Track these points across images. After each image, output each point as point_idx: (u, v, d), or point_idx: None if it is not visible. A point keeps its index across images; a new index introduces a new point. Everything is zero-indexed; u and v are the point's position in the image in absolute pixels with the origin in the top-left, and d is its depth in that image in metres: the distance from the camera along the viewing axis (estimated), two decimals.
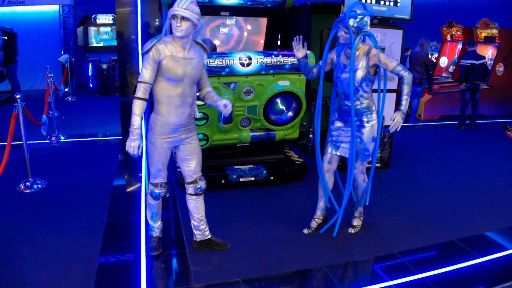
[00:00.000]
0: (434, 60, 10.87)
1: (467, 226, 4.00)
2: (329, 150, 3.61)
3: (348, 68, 3.34)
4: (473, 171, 5.68)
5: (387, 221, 4.02)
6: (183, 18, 2.74)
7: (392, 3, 5.11)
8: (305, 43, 3.46)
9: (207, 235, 3.40)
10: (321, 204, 3.77)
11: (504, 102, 9.94)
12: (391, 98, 5.36)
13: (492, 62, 9.70)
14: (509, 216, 4.24)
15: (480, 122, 8.76)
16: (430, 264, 3.33)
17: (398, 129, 3.31)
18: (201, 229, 3.37)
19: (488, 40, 9.95)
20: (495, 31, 9.79)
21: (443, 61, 11.08)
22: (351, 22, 3.18)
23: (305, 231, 3.74)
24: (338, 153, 3.58)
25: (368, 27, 3.25)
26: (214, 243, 3.41)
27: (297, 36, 3.45)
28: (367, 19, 3.20)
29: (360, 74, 3.32)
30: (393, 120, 3.26)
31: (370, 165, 3.71)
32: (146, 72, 2.84)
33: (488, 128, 8.52)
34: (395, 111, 5.39)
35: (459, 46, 10.49)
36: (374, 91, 3.54)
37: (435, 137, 7.69)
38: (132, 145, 2.84)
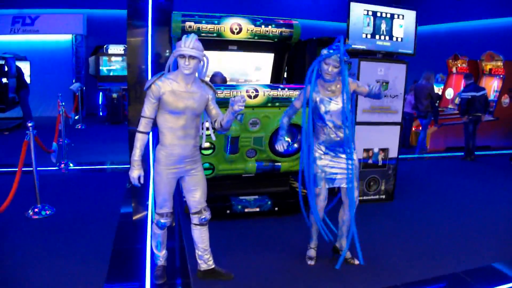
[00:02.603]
0: (439, 93, 10.97)
1: (470, 258, 3.99)
2: (325, 185, 3.61)
3: (335, 99, 3.43)
4: (477, 203, 5.67)
5: (391, 253, 4.03)
6: (191, 56, 2.87)
7: (395, 38, 5.25)
8: None
9: (211, 264, 3.43)
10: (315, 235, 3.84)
11: (510, 133, 9.96)
12: (395, 130, 5.44)
13: (497, 93, 9.80)
14: None
15: (486, 154, 8.76)
16: None
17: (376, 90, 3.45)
18: (205, 259, 3.40)
19: (493, 72, 10.07)
20: (500, 63, 9.92)
21: (449, 93, 11.18)
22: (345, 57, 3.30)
23: (311, 262, 3.76)
24: (333, 186, 3.62)
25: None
26: (218, 273, 3.43)
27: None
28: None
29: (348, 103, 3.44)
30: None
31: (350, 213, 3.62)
32: (146, 108, 3.02)
33: (494, 160, 8.52)
34: (398, 145, 5.46)
35: None
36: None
37: (440, 168, 7.70)
38: (133, 176, 3.05)
